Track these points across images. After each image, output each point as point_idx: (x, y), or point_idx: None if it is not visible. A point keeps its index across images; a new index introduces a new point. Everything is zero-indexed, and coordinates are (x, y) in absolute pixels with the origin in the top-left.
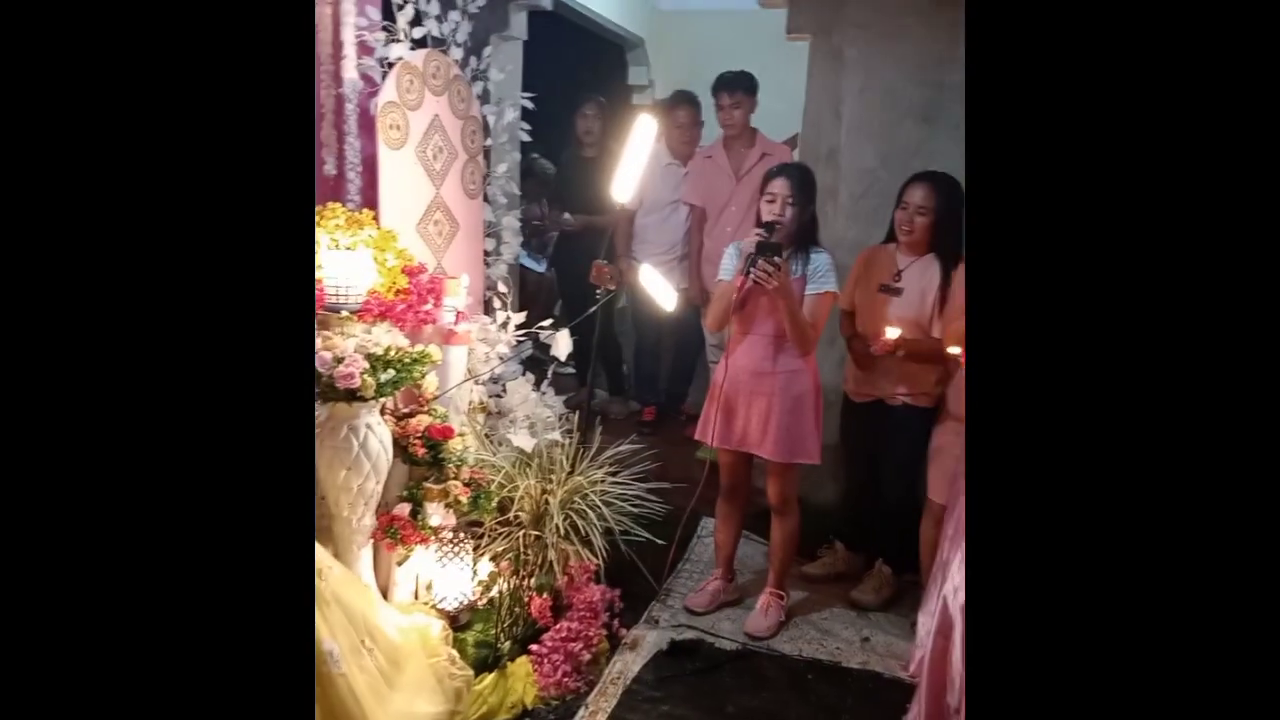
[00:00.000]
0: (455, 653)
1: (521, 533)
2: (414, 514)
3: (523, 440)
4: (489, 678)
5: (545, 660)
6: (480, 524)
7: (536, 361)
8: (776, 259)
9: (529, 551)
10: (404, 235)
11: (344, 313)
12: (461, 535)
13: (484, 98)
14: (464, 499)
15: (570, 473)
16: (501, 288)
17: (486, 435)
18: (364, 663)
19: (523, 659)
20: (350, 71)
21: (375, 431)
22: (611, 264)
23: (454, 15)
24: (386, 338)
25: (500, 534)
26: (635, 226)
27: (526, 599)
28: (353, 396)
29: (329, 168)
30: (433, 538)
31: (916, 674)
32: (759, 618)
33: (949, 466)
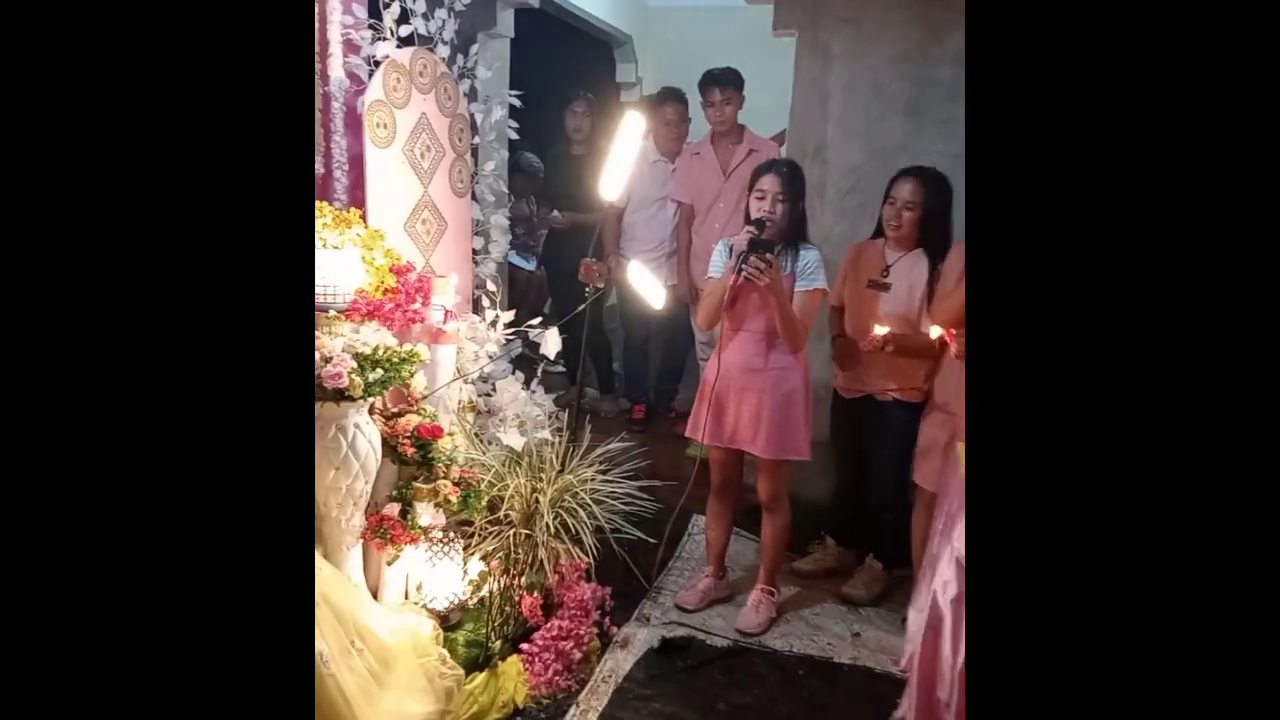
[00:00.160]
0: (446, 652)
1: (512, 531)
2: (403, 514)
3: (512, 439)
4: (480, 677)
5: (536, 659)
6: (470, 523)
7: (526, 360)
8: (768, 256)
9: (519, 550)
10: (392, 234)
11: (331, 312)
12: (451, 534)
13: (471, 96)
14: (454, 498)
15: (560, 471)
16: (490, 286)
17: (476, 434)
18: (354, 663)
19: (514, 658)
20: (337, 70)
21: (364, 431)
22: (600, 262)
23: (441, 13)
24: (375, 337)
25: (490, 533)
26: (623, 224)
27: (517, 598)
28: (341, 396)
29: (317, 166)
30: (422, 537)
31: (907, 668)
32: (750, 614)
33: (936, 457)
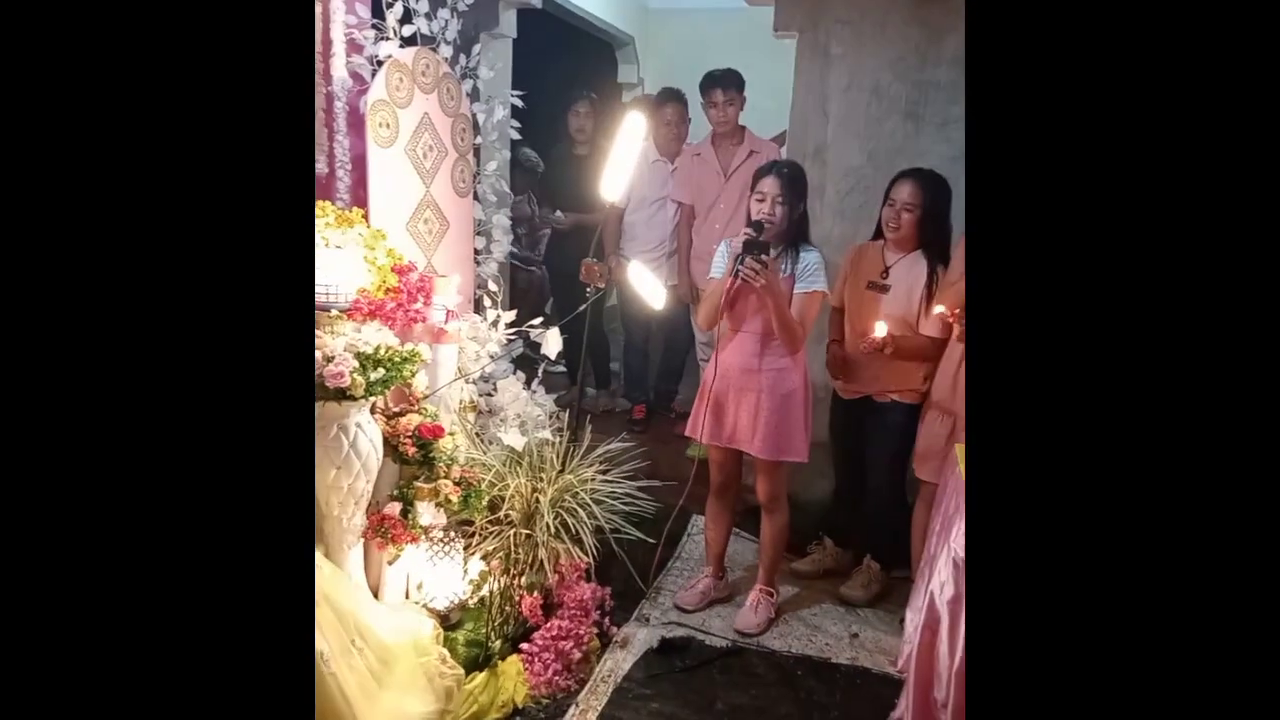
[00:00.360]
0: (446, 652)
1: (512, 531)
2: (404, 513)
3: (513, 439)
4: (480, 676)
5: (536, 659)
6: (471, 523)
7: (527, 360)
8: (764, 257)
9: (519, 550)
10: (394, 234)
11: (334, 311)
12: (452, 534)
13: (474, 95)
14: (454, 498)
15: (561, 471)
16: (492, 286)
17: (477, 434)
18: (354, 662)
19: (513, 658)
20: (340, 69)
21: (365, 430)
22: (600, 262)
23: (443, 13)
24: (376, 337)
25: (491, 533)
26: (623, 224)
27: (517, 598)
28: (343, 395)
29: (319, 166)
30: (423, 537)
31: (904, 669)
32: (749, 614)
33: (935, 457)
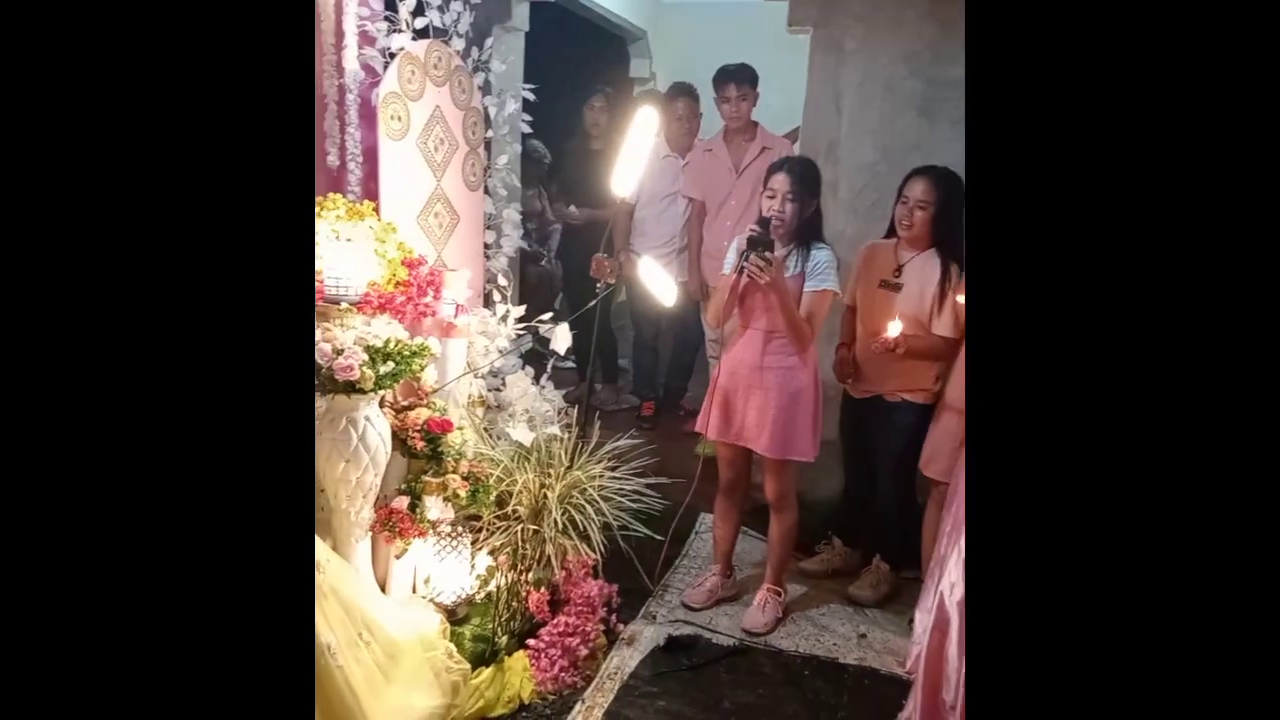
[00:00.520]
0: (453, 646)
1: (520, 527)
2: (412, 507)
3: (521, 434)
4: (486, 672)
5: (542, 655)
6: (478, 518)
7: (536, 355)
8: (766, 255)
9: (527, 546)
10: (404, 227)
11: (344, 305)
12: (460, 529)
13: (485, 89)
14: (462, 492)
15: (569, 467)
16: (502, 281)
17: (485, 429)
18: (361, 655)
19: (520, 653)
20: (352, 62)
21: (374, 424)
22: (611, 257)
23: (456, 5)
24: (386, 330)
25: (498, 528)
26: (634, 220)
27: (524, 593)
28: (352, 389)
29: (331, 159)
30: (431, 531)
31: (913, 670)
32: (756, 614)
33: (947, 458)
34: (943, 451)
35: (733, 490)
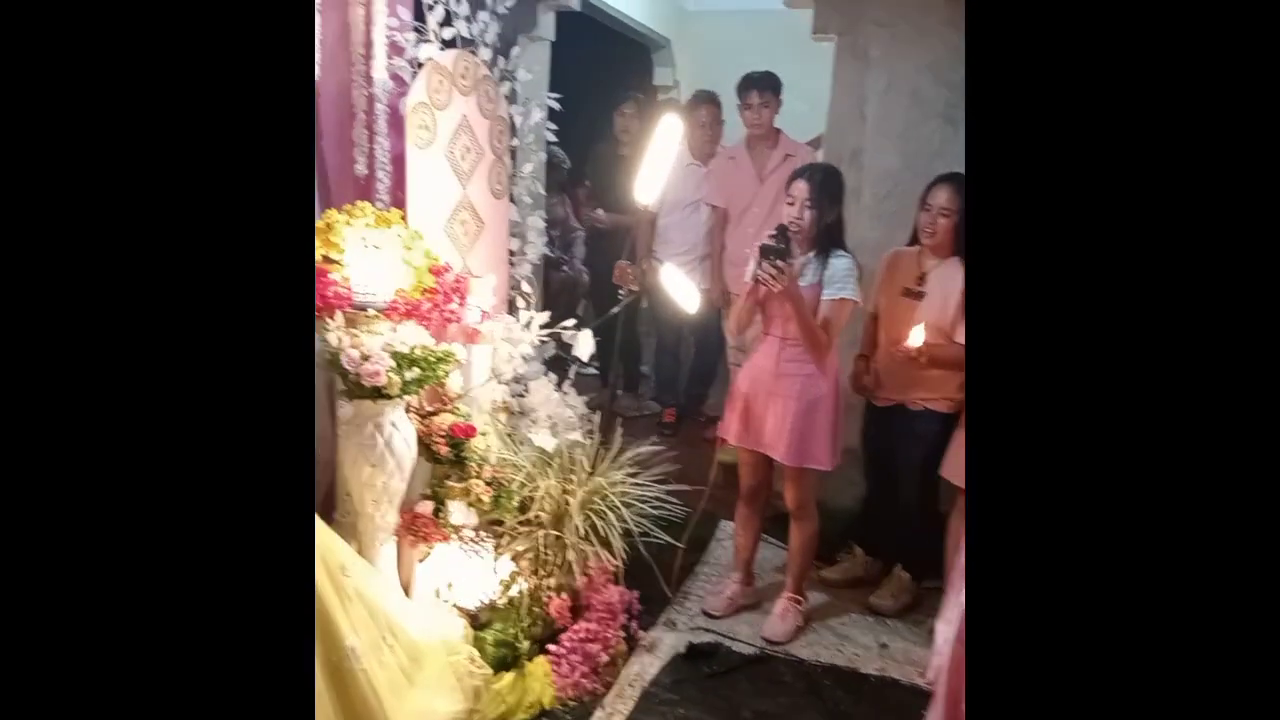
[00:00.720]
0: (475, 651)
1: (542, 533)
2: (436, 512)
3: (544, 440)
4: (507, 677)
5: (563, 661)
6: (501, 523)
7: (559, 361)
8: (779, 263)
9: (549, 551)
10: (431, 235)
11: (371, 311)
12: (482, 534)
13: (511, 98)
14: (485, 498)
15: (591, 473)
16: (525, 287)
17: (508, 434)
18: (384, 659)
19: (541, 659)
20: (380, 72)
21: (400, 429)
22: (634, 264)
23: (483, 16)
24: (412, 336)
25: (520, 533)
26: (657, 227)
27: (545, 599)
28: (378, 394)
29: (359, 167)
30: (454, 535)
31: (934, 681)
32: (776, 622)
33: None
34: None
35: (753, 497)
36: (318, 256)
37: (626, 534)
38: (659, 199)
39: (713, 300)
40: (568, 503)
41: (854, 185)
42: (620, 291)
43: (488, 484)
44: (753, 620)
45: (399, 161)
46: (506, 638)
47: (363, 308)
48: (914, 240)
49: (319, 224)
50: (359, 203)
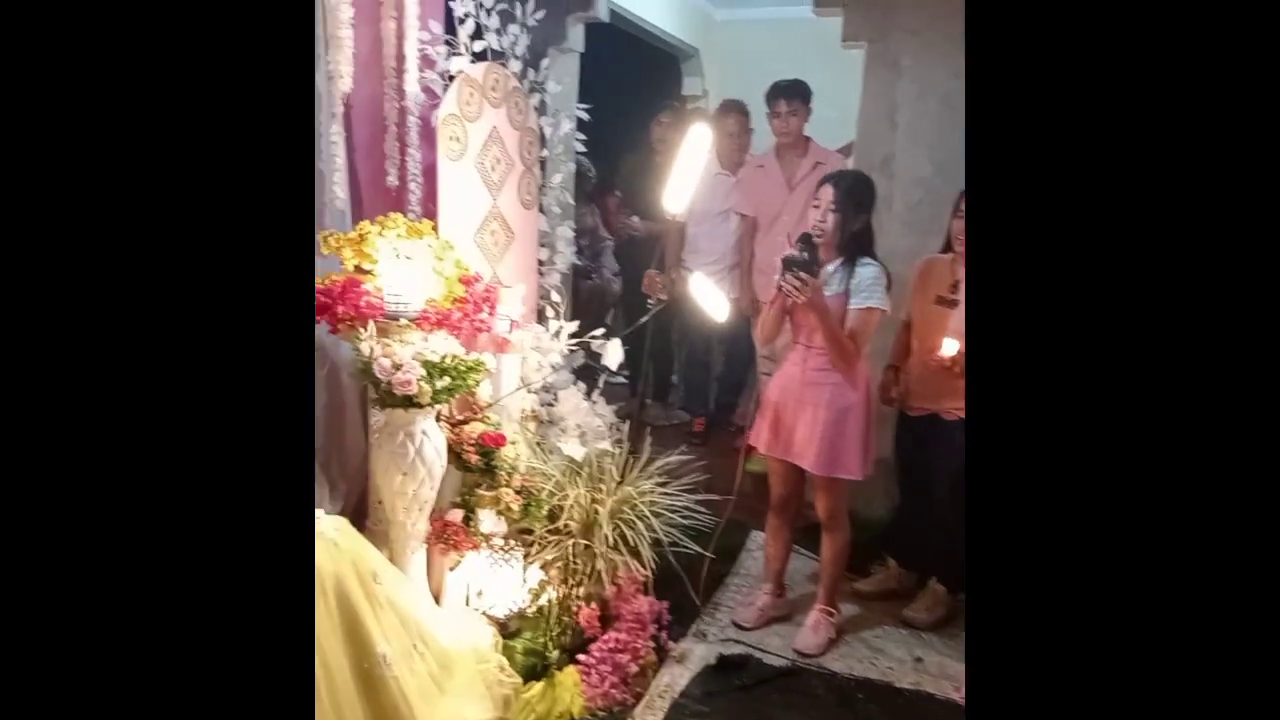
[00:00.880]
0: (505, 660)
1: (571, 542)
2: (466, 520)
3: (573, 449)
4: (537, 686)
5: (593, 671)
6: (530, 532)
7: (588, 370)
8: (802, 274)
9: (578, 560)
10: (461, 245)
11: (402, 321)
12: (512, 542)
13: (541, 109)
14: (515, 506)
15: (620, 483)
16: (555, 297)
17: (538, 443)
18: (415, 666)
19: (571, 669)
20: (412, 84)
21: (430, 438)
22: (663, 274)
23: (513, 29)
24: (443, 346)
25: (550, 542)
26: (686, 236)
27: (575, 608)
28: (409, 403)
29: (391, 178)
30: (484, 544)
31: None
32: (809, 635)
33: None
34: None
35: (784, 507)
36: (350, 267)
37: (656, 544)
38: (688, 208)
39: (742, 309)
40: (597, 512)
41: (885, 193)
42: (649, 301)
43: (517, 492)
44: (784, 632)
45: (430, 173)
46: (536, 646)
47: (394, 317)
48: (947, 248)
49: (352, 235)
50: (391, 214)
